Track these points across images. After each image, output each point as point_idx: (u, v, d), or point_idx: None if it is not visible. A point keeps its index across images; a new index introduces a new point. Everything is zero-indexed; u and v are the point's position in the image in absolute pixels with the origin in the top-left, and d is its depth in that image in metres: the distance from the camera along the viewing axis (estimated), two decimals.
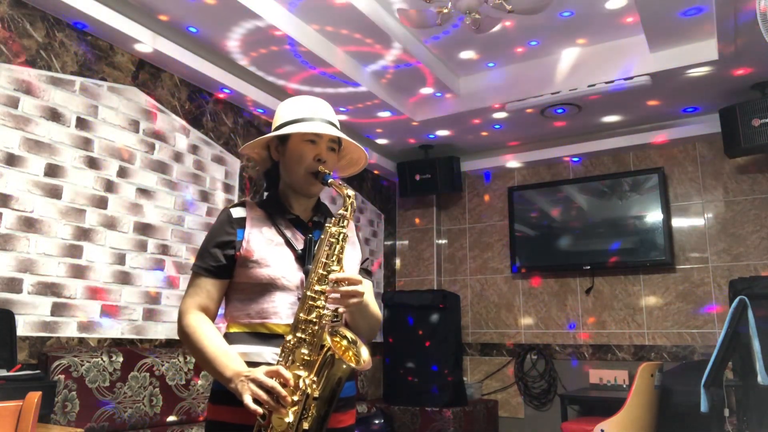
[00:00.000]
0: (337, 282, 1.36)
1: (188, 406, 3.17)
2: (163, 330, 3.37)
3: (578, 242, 4.99)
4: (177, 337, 3.39)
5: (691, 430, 3.80)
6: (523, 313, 5.23)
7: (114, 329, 3.10)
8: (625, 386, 4.35)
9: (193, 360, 3.25)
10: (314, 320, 1.35)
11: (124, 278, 3.17)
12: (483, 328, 5.40)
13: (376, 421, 4.38)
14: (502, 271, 5.39)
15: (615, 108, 4.45)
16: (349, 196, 1.46)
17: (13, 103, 2.74)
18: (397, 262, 5.84)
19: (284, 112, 1.57)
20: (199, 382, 3.26)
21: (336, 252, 1.41)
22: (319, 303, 1.36)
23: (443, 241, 5.77)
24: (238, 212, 1.53)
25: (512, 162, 5.39)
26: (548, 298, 5.15)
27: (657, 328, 4.65)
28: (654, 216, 4.70)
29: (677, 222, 4.72)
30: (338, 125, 1.59)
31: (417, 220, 5.82)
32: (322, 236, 1.44)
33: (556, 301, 5.11)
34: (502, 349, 5.26)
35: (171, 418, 3.07)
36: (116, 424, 2.80)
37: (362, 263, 1.64)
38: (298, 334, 1.35)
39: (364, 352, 1.36)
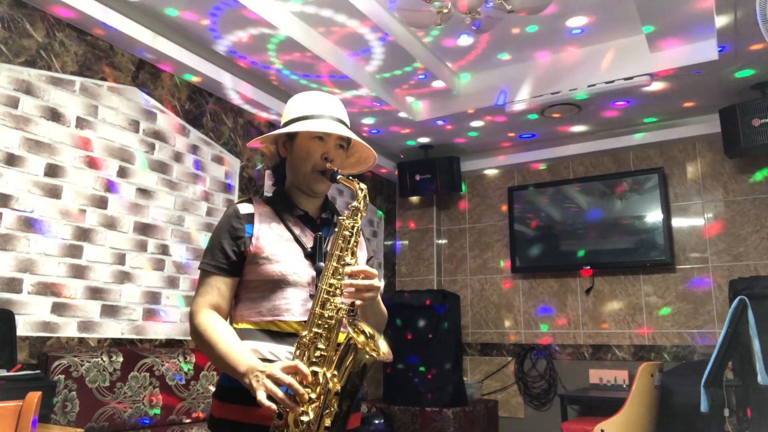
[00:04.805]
0: (353, 275, 1.34)
1: (188, 406, 3.17)
2: (163, 330, 3.37)
3: (578, 242, 4.99)
4: (177, 337, 3.41)
5: (691, 430, 3.80)
6: (523, 313, 5.23)
7: (114, 329, 3.10)
8: (625, 386, 4.35)
9: (193, 360, 3.25)
10: (330, 315, 1.31)
11: (124, 278, 3.18)
12: (483, 328, 5.40)
13: (376, 421, 4.38)
14: (502, 271, 5.40)
15: (614, 108, 4.45)
16: (361, 189, 1.45)
17: (13, 103, 2.73)
18: (397, 262, 5.85)
19: (293, 108, 1.54)
20: (200, 382, 3.26)
21: (350, 245, 1.39)
22: (334, 297, 1.33)
23: (443, 241, 5.77)
24: (245, 208, 1.50)
25: (512, 162, 5.39)
26: (548, 298, 5.15)
27: (657, 328, 4.65)
28: (654, 216, 4.70)
29: (677, 222, 4.72)
30: (348, 122, 1.56)
31: (417, 220, 5.82)
32: (336, 229, 1.41)
33: (556, 301, 5.11)
34: (502, 349, 5.26)
35: (171, 418, 3.07)
36: (116, 424, 2.80)
37: (367, 261, 1.64)
38: (314, 329, 1.31)
39: (383, 345, 1.31)
